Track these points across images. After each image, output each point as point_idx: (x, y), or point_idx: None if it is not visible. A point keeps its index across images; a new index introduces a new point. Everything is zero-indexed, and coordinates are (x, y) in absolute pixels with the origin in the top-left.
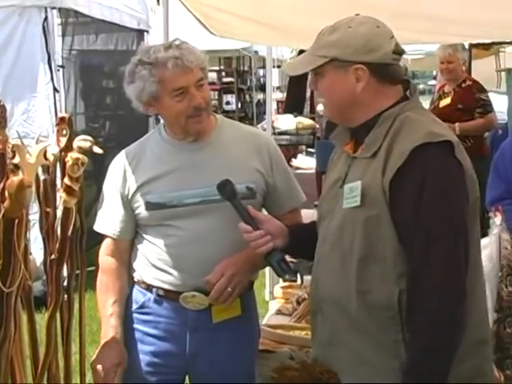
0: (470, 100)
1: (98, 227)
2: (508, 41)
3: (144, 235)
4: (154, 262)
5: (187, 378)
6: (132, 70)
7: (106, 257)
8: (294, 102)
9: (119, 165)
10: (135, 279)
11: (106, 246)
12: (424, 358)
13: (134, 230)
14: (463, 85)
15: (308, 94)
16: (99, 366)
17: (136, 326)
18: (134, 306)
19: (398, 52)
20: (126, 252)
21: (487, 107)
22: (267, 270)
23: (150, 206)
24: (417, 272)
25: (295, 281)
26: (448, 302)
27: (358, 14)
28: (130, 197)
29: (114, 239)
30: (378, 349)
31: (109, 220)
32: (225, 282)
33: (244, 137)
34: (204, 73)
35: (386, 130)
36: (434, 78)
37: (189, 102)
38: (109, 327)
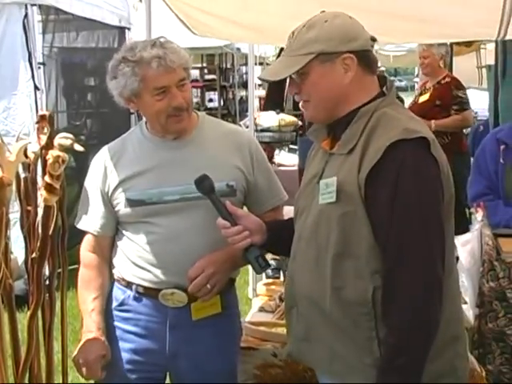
0: (447, 97)
1: (79, 223)
2: (490, 39)
3: (124, 232)
4: (133, 259)
5: (168, 375)
6: (115, 65)
7: (87, 252)
8: (274, 99)
9: (100, 161)
10: (115, 276)
11: (87, 242)
12: (398, 355)
13: (114, 227)
14: (442, 81)
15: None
16: (82, 359)
17: (116, 323)
18: (114, 304)
19: (373, 39)
20: (107, 248)
21: (464, 105)
22: (250, 267)
23: (129, 202)
24: (392, 269)
25: (278, 277)
26: (423, 300)
27: (323, 11)
28: (110, 193)
29: (95, 236)
30: (351, 345)
31: (89, 217)
32: (204, 279)
33: (225, 134)
34: (187, 73)
35: (362, 126)
36: (417, 75)
37: (169, 102)
38: (91, 322)
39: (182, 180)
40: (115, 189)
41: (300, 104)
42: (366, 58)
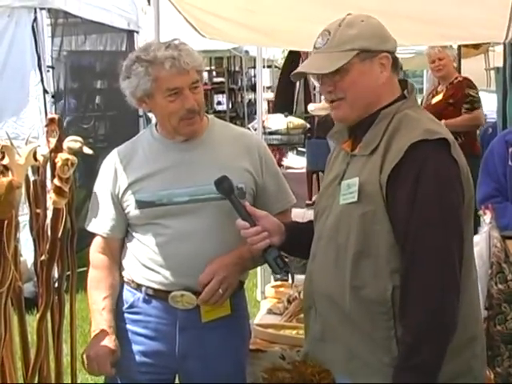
0: (459, 95)
1: (89, 226)
2: (498, 41)
3: (134, 234)
4: (143, 261)
5: (177, 377)
6: (129, 65)
7: (97, 254)
8: (283, 102)
9: (110, 164)
10: (125, 279)
11: (96, 244)
12: (415, 355)
13: (124, 229)
14: (455, 81)
15: (302, 94)
16: (92, 354)
17: (126, 325)
18: (124, 306)
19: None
20: (117, 250)
21: (475, 103)
22: (259, 270)
23: (139, 204)
24: (409, 269)
25: (287, 280)
26: (440, 301)
27: (349, 14)
28: (120, 195)
29: (105, 238)
30: (370, 344)
31: (99, 219)
32: (216, 284)
33: (235, 137)
34: (200, 75)
35: (384, 127)
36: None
37: (182, 103)
38: (102, 320)
39: (191, 182)
40: (125, 191)
41: (330, 103)
42: (396, 60)
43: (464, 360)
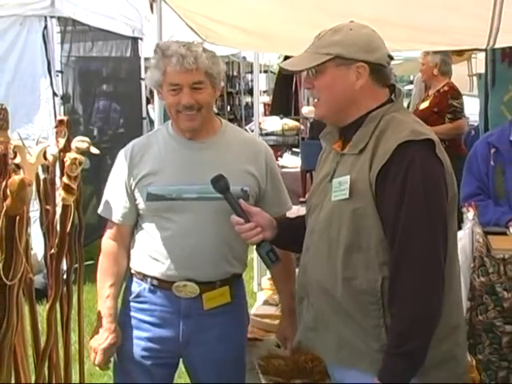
0: (443, 105)
1: (102, 212)
2: (480, 48)
3: (143, 225)
4: (149, 253)
5: (181, 361)
6: (152, 57)
7: (108, 240)
8: (279, 104)
9: (126, 155)
10: (132, 271)
11: (109, 231)
12: (402, 342)
13: (135, 217)
14: (441, 90)
15: (292, 98)
16: (94, 347)
17: (133, 313)
18: (131, 296)
19: (390, 56)
20: (127, 237)
21: (457, 114)
22: (255, 263)
23: (150, 196)
24: (397, 261)
25: None
26: (427, 292)
27: (352, 21)
28: (133, 186)
29: (117, 224)
30: (360, 332)
31: (113, 206)
32: None
33: (244, 142)
34: (209, 78)
35: (372, 128)
36: (411, 82)
37: (179, 99)
38: (105, 308)
39: (200, 180)
40: (138, 182)
41: (312, 102)
42: (378, 72)
43: (447, 347)
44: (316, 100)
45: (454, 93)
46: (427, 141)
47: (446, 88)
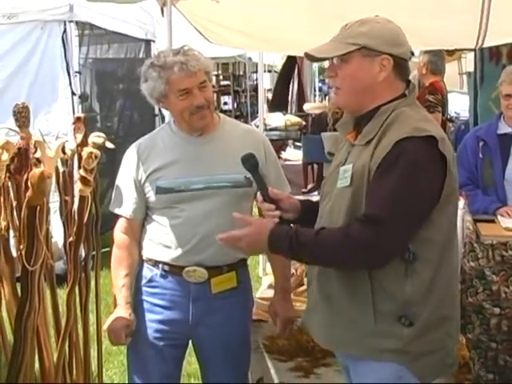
0: (421, 99)
1: (114, 208)
2: (469, 48)
3: (153, 216)
4: (160, 241)
5: (190, 342)
6: (145, 70)
7: (120, 234)
8: (278, 101)
9: (133, 154)
10: (144, 257)
11: (120, 225)
12: (314, 242)
13: (144, 211)
14: (424, 86)
15: (295, 96)
16: (110, 328)
17: (145, 298)
18: (143, 281)
19: (412, 53)
20: (138, 230)
21: (430, 108)
22: None
23: (159, 190)
24: (367, 215)
25: None
26: (364, 248)
27: (377, 16)
28: (142, 182)
29: (128, 219)
30: (349, 314)
31: (123, 202)
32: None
33: (243, 133)
34: (208, 76)
35: (381, 122)
36: None
37: (191, 101)
38: (120, 296)
39: (205, 171)
40: (147, 178)
41: (332, 90)
42: (401, 66)
43: (439, 337)
44: (336, 89)
45: (432, 88)
46: (428, 137)
47: (426, 84)
